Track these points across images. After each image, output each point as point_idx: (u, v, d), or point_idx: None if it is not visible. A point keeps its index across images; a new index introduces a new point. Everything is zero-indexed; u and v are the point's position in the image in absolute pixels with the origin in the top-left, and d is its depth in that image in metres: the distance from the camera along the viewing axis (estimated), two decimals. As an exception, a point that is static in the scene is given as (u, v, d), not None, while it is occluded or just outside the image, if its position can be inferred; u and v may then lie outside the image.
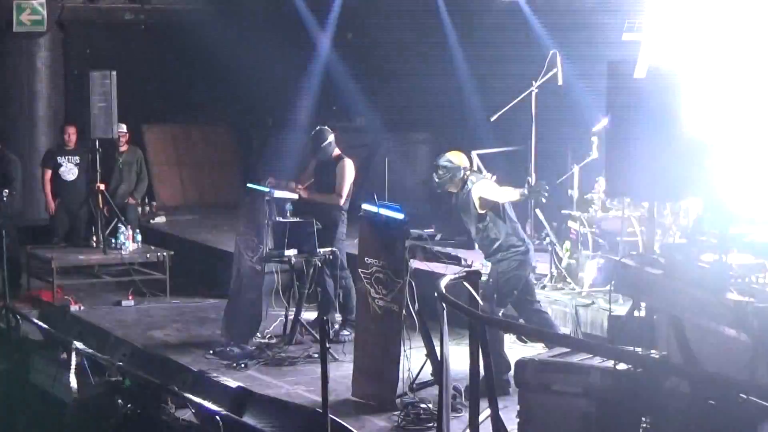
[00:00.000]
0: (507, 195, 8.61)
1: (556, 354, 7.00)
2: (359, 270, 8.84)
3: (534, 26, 13.51)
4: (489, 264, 8.82)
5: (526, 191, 8.57)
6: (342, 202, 10.25)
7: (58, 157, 13.22)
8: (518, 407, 6.91)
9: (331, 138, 10.38)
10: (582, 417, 6.55)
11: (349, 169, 10.34)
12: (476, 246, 8.83)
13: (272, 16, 16.36)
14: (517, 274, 8.66)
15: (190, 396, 7.33)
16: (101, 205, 12.93)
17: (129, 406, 7.40)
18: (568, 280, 10.23)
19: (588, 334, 9.42)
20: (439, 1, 15.03)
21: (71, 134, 13.21)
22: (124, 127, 13.36)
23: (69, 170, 13.16)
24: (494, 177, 8.87)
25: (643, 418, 6.35)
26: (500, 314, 8.65)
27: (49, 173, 13.19)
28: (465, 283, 7.53)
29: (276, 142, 16.56)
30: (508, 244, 8.63)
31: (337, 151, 10.43)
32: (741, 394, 5.60)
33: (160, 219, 15.55)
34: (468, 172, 8.75)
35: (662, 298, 7.21)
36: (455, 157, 8.71)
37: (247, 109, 17.25)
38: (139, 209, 14.34)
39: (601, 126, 10.02)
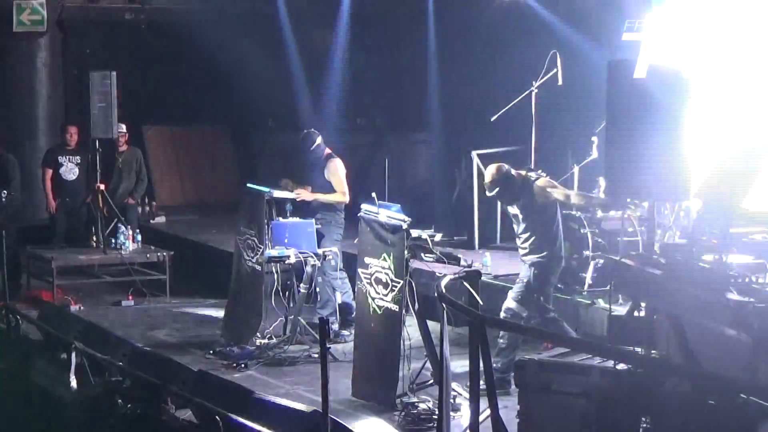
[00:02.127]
0: (573, 197, 8.81)
1: (556, 354, 7.00)
2: (359, 270, 8.84)
3: (534, 26, 13.51)
4: (524, 263, 8.80)
5: (601, 201, 8.70)
6: (348, 199, 10.29)
7: (59, 157, 13.22)
8: (518, 407, 6.91)
9: (319, 140, 10.42)
10: (582, 417, 6.54)
11: (340, 167, 10.41)
12: (517, 236, 8.83)
13: (272, 16, 16.35)
14: (548, 280, 8.71)
15: (190, 396, 7.33)
16: (101, 205, 12.93)
17: (129, 406, 7.40)
18: (568, 279, 10.22)
19: (588, 334, 9.42)
20: (439, 1, 15.03)
21: (73, 134, 13.22)
22: (123, 127, 13.36)
23: (70, 170, 13.16)
24: (547, 176, 8.95)
25: (643, 418, 6.35)
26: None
27: (49, 173, 13.19)
28: (465, 283, 7.54)
29: (276, 143, 16.58)
30: (550, 242, 8.65)
31: (327, 151, 10.46)
32: (741, 394, 5.60)
33: (160, 219, 15.55)
34: (522, 172, 8.78)
35: (662, 298, 7.21)
36: (491, 173, 8.75)
37: (246, 110, 17.25)
38: (139, 209, 14.34)
39: (601, 126, 10.02)
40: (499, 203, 12.16)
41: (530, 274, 8.68)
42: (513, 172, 8.75)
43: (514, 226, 8.92)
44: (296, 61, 16.36)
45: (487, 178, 8.78)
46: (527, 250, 8.73)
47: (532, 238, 8.68)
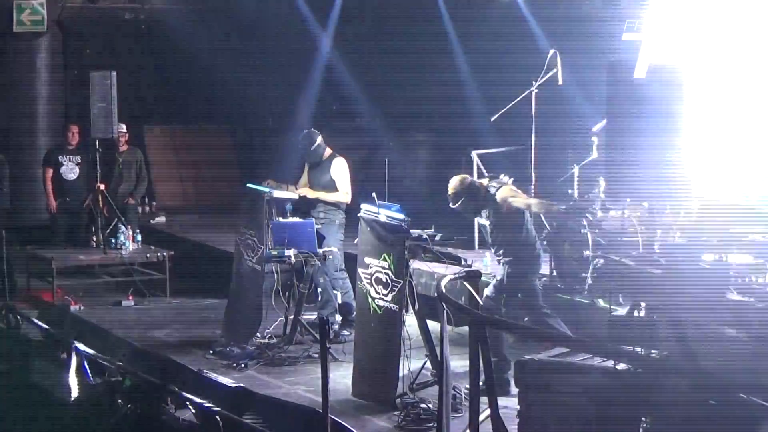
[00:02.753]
0: (534, 206, 8.71)
1: (556, 354, 7.00)
2: (359, 270, 8.84)
3: (534, 26, 13.51)
4: (499, 263, 8.83)
5: (562, 207, 8.65)
6: (350, 199, 10.29)
7: (60, 156, 13.23)
8: (518, 407, 6.91)
9: (319, 140, 10.41)
10: (582, 417, 6.54)
11: (344, 166, 10.41)
12: (490, 245, 8.85)
13: (271, 17, 16.35)
14: (525, 279, 8.69)
15: (190, 396, 7.34)
16: (101, 205, 12.93)
17: (129, 406, 7.40)
18: (568, 279, 10.22)
19: (588, 334, 9.41)
20: (440, 1, 15.04)
21: (75, 133, 13.23)
22: (123, 127, 13.35)
23: (70, 169, 13.17)
24: (511, 179, 8.91)
25: (643, 418, 6.35)
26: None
27: (50, 172, 13.20)
28: (465, 283, 7.55)
29: (276, 143, 16.57)
30: (521, 246, 8.65)
31: (328, 151, 10.46)
32: (741, 394, 5.60)
33: (160, 219, 15.55)
34: (484, 182, 8.77)
35: (662, 298, 7.21)
36: (454, 185, 8.74)
37: (246, 110, 17.25)
38: (139, 209, 14.34)
39: (601, 126, 10.02)
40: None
41: (504, 273, 8.70)
42: (476, 183, 8.77)
43: (486, 236, 8.94)
44: (297, 61, 16.35)
45: (450, 190, 8.76)
46: (500, 258, 8.77)
47: (504, 248, 8.70)
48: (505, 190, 8.68)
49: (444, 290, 6.69)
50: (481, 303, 8.50)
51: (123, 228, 12.60)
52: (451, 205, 8.84)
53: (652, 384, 6.28)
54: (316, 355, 9.16)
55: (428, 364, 8.56)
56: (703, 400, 5.91)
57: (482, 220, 8.87)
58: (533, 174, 10.53)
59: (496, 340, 8.55)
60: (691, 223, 8.75)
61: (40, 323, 9.58)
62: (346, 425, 7.02)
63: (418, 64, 15.59)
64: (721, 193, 8.11)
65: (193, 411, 7.35)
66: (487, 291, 8.74)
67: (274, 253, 9.87)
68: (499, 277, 8.75)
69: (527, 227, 8.76)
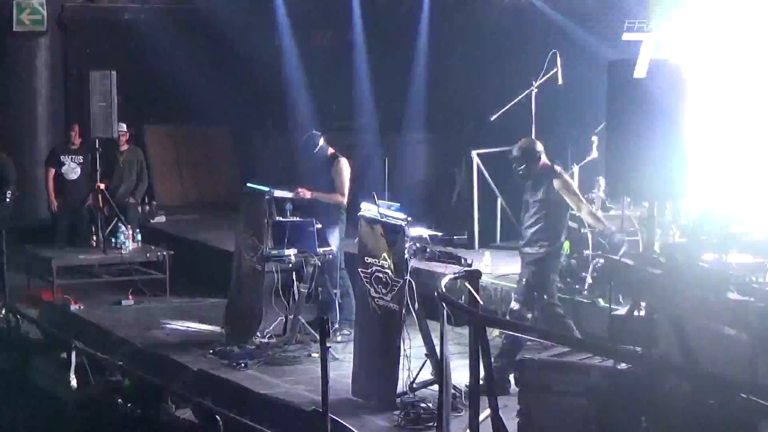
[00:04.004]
0: (584, 209, 8.78)
1: (556, 354, 7.00)
2: (359, 270, 8.84)
3: (534, 26, 13.51)
4: (523, 260, 8.81)
5: (606, 226, 8.75)
6: (346, 200, 10.30)
7: (61, 156, 13.25)
8: (518, 407, 6.91)
9: (321, 141, 10.44)
10: (582, 417, 6.55)
11: (345, 167, 10.42)
12: (523, 229, 8.83)
13: (272, 16, 16.35)
14: (549, 278, 8.70)
15: (190, 396, 7.34)
16: (101, 205, 12.94)
17: (129, 406, 7.40)
18: (568, 279, 10.22)
19: (588, 334, 9.42)
20: (439, 1, 15.04)
21: (77, 131, 13.24)
22: (124, 127, 13.36)
23: (72, 169, 13.19)
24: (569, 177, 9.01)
25: (643, 418, 6.35)
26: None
27: (52, 172, 13.24)
28: (465, 283, 7.54)
29: (276, 143, 16.57)
30: (548, 241, 8.64)
31: (330, 151, 10.48)
32: (741, 394, 5.60)
33: (160, 219, 15.54)
34: (547, 160, 8.79)
35: (662, 298, 7.21)
36: (524, 141, 8.79)
37: (246, 110, 17.24)
38: (139, 209, 14.34)
39: (602, 126, 10.02)
40: (499, 203, 12.21)
41: (529, 273, 8.69)
42: (542, 156, 8.74)
43: (522, 215, 8.91)
44: (296, 61, 16.35)
45: (518, 144, 8.82)
46: (527, 240, 8.71)
47: (537, 227, 8.66)
48: (567, 179, 8.72)
49: (444, 290, 6.68)
50: (509, 309, 8.59)
51: (123, 228, 12.60)
52: (510, 155, 8.89)
53: (652, 384, 6.27)
54: (316, 355, 9.16)
55: (428, 364, 8.56)
56: (703, 400, 5.91)
57: (526, 195, 8.83)
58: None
59: (516, 346, 8.56)
60: (691, 223, 8.75)
61: (40, 323, 9.57)
62: (346, 425, 7.01)
63: (418, 64, 15.58)
64: (721, 193, 8.11)
65: (193, 411, 7.35)
66: (515, 296, 8.75)
67: (274, 252, 9.87)
68: (524, 279, 8.72)
69: (565, 224, 8.77)
